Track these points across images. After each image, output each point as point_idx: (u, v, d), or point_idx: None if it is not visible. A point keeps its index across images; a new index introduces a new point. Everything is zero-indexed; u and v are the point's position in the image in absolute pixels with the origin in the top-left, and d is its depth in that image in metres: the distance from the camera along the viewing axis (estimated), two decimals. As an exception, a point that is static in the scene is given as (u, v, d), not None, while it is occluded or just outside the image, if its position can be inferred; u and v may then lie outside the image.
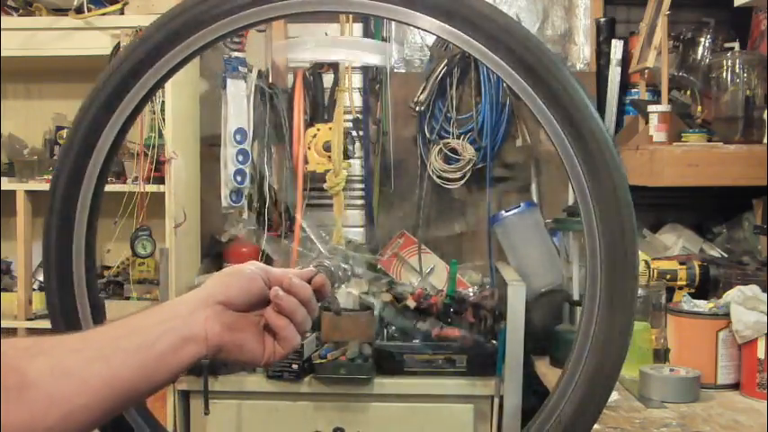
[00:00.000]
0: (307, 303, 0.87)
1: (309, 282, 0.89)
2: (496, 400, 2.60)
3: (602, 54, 3.08)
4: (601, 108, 3.05)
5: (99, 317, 0.99)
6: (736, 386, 2.03)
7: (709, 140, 2.46)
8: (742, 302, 2.01)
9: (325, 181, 2.95)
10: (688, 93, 2.74)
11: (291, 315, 0.85)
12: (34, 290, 2.86)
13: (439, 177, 3.04)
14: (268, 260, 3.10)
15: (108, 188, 3.05)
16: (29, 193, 2.80)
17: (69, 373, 0.75)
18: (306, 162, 2.95)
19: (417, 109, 3.06)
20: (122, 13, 2.72)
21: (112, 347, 0.78)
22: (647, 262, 2.39)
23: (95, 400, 0.75)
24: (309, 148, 2.94)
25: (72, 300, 0.97)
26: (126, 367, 0.77)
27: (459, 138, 3.05)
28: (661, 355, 2.15)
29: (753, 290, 2.05)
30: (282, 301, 0.85)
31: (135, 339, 0.79)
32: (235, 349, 0.84)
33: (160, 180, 2.70)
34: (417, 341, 2.67)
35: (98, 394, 0.75)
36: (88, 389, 0.75)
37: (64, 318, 0.97)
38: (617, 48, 3.02)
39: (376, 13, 0.90)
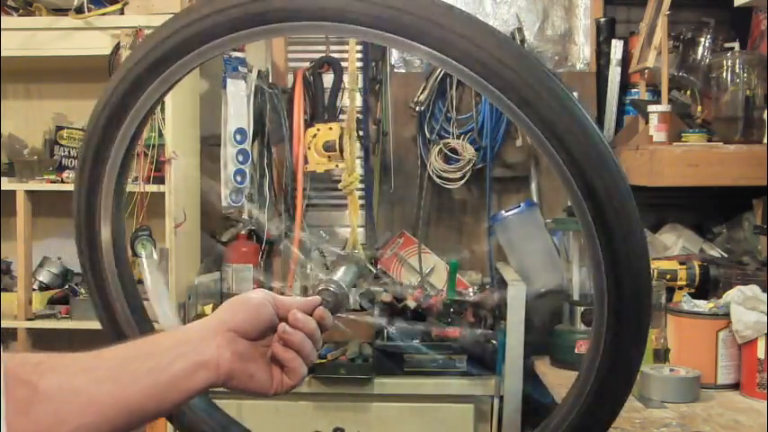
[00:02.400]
0: (311, 336, 0.89)
1: (314, 309, 0.91)
2: (496, 400, 2.60)
3: (602, 54, 3.08)
4: (601, 108, 3.06)
5: (137, 307, 1.05)
6: (736, 386, 2.03)
7: (710, 140, 2.45)
8: (742, 302, 2.01)
9: (325, 181, 2.95)
10: (688, 93, 2.74)
11: (299, 348, 0.87)
12: (34, 290, 2.86)
13: (439, 177, 3.04)
14: (268, 261, 3.11)
15: (108, 188, 3.00)
16: (29, 193, 2.80)
17: (78, 391, 0.75)
18: (306, 162, 2.96)
19: (417, 109, 3.06)
20: (122, 13, 2.72)
21: (123, 369, 0.78)
22: (647, 262, 2.39)
23: (102, 420, 0.76)
24: (309, 148, 2.94)
25: (107, 290, 1.04)
26: (136, 390, 0.77)
27: (459, 138, 3.05)
28: (661, 355, 2.15)
29: (753, 290, 2.05)
30: (290, 335, 0.87)
31: (147, 363, 0.79)
32: (245, 378, 0.85)
33: (160, 180, 2.70)
34: (417, 341, 2.66)
35: (106, 414, 0.76)
36: (96, 408, 0.75)
37: (106, 314, 1.05)
38: (617, 48, 3.02)
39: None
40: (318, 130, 2.95)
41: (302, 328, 0.88)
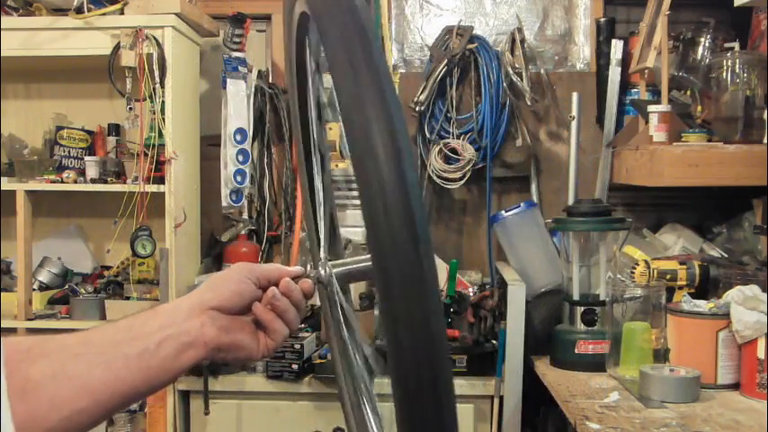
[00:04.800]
0: (297, 305, 0.92)
1: (296, 278, 0.94)
2: (496, 400, 2.60)
3: (602, 54, 3.07)
4: (601, 108, 3.06)
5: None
6: (736, 386, 2.03)
7: (710, 140, 2.45)
8: (742, 302, 2.01)
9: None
10: (688, 93, 2.74)
11: (282, 313, 0.91)
12: (34, 290, 2.86)
13: (439, 177, 3.04)
14: (268, 260, 3.11)
15: (108, 188, 3.03)
16: (29, 193, 2.80)
17: (71, 377, 0.77)
18: (306, 162, 2.95)
19: (417, 109, 3.06)
20: (122, 13, 2.72)
21: (114, 354, 0.81)
22: (647, 262, 2.39)
23: (97, 403, 0.78)
24: (309, 148, 2.93)
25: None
26: (128, 373, 0.80)
27: (459, 138, 3.05)
28: (661, 355, 2.15)
29: (753, 290, 2.05)
30: (279, 302, 0.90)
31: (136, 345, 0.82)
32: (233, 349, 0.89)
33: (160, 180, 2.70)
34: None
35: (100, 397, 0.78)
36: (90, 393, 0.78)
37: None
38: (617, 48, 3.02)
39: None
40: (318, 130, 2.95)
41: (290, 296, 0.92)
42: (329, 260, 0.95)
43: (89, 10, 2.67)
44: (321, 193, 0.99)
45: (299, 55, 0.96)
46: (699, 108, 2.66)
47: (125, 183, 2.76)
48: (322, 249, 0.98)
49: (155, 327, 0.84)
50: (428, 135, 3.08)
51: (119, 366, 0.80)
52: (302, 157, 1.06)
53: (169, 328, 0.85)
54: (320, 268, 0.95)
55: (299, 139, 1.05)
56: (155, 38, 2.65)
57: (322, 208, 0.99)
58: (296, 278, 0.94)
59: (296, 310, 0.92)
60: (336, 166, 2.93)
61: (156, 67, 2.64)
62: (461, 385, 2.62)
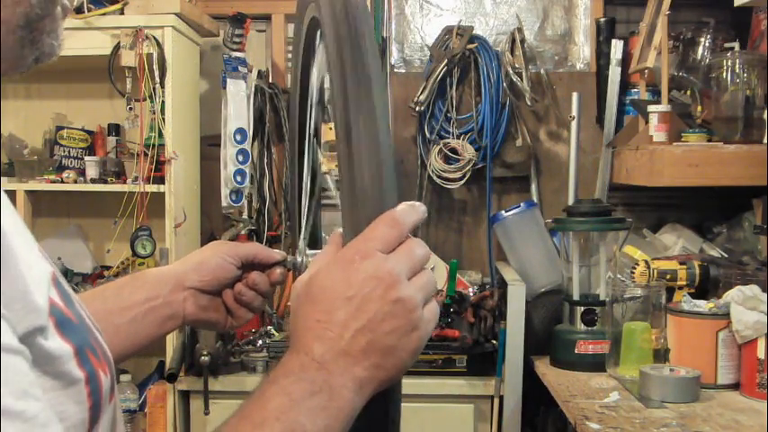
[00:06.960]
0: (263, 295, 1.03)
1: (273, 263, 1.03)
2: (496, 400, 2.60)
3: (602, 54, 3.07)
4: (601, 108, 3.06)
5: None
6: (736, 386, 2.03)
7: (710, 140, 2.45)
8: (742, 302, 2.01)
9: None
10: (688, 93, 2.74)
11: (247, 303, 1.02)
12: (34, 290, 2.86)
13: (439, 177, 3.04)
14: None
15: (108, 188, 3.03)
16: (29, 193, 2.80)
17: None
18: (306, 162, 2.95)
19: (417, 109, 3.06)
20: (122, 13, 2.72)
21: (105, 324, 0.88)
22: (647, 262, 2.39)
23: None
24: (309, 148, 2.93)
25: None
26: (118, 340, 0.91)
27: (459, 138, 3.05)
28: (661, 355, 2.15)
29: (753, 290, 2.05)
30: (244, 296, 1.01)
31: (126, 315, 0.95)
32: (206, 324, 1.03)
33: (160, 180, 2.70)
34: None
35: None
36: None
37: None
38: (617, 48, 3.02)
39: None
40: (318, 130, 2.95)
41: (258, 290, 1.02)
42: (307, 249, 0.98)
43: (89, 10, 2.67)
44: (306, 184, 1.05)
45: (305, 55, 0.99)
46: (699, 108, 2.65)
47: (125, 183, 2.76)
48: (301, 237, 1.00)
49: (141, 297, 0.96)
50: (428, 135, 3.08)
51: (110, 334, 0.87)
52: (295, 152, 1.09)
53: (155, 300, 0.97)
54: (297, 256, 0.97)
55: (295, 133, 1.08)
56: (155, 38, 2.65)
57: (307, 199, 1.04)
58: (274, 263, 1.02)
59: (262, 297, 1.02)
60: (336, 166, 2.93)
61: (156, 67, 2.64)
62: (461, 385, 2.62)
